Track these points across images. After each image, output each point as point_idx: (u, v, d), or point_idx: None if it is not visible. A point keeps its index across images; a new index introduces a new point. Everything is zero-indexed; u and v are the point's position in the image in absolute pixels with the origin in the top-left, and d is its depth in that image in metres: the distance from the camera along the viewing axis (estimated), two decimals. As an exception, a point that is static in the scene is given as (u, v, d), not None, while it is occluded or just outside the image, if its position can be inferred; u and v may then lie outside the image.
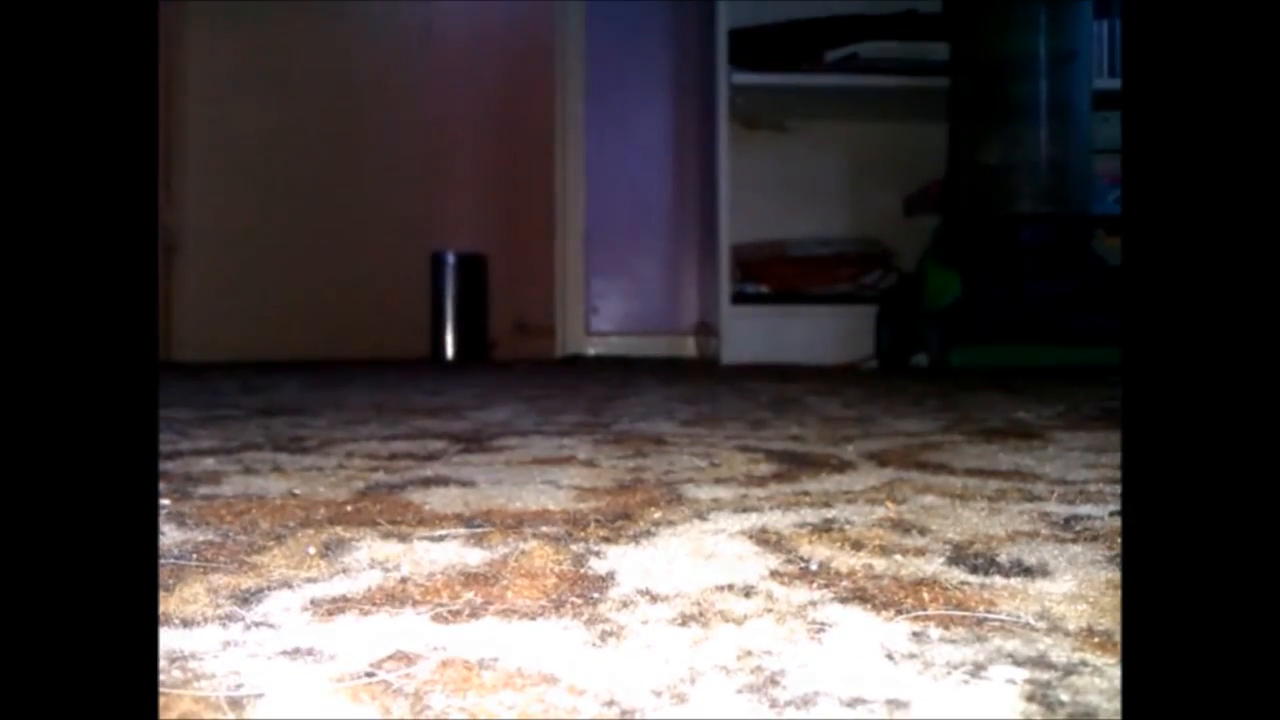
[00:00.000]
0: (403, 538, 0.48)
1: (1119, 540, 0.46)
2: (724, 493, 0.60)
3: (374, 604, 0.37)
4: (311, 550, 0.46)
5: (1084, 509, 0.54)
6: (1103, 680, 0.29)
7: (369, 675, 0.29)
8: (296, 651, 0.32)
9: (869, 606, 0.36)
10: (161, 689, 0.28)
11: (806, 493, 0.60)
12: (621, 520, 0.52)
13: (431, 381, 1.74)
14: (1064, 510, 0.54)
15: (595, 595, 0.38)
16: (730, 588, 0.39)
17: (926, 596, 0.37)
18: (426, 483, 0.65)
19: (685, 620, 0.35)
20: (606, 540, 0.47)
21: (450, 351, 2.20)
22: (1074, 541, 0.47)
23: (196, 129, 2.33)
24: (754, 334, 2.34)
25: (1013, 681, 0.29)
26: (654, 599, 0.37)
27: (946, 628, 0.34)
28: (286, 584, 0.40)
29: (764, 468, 0.71)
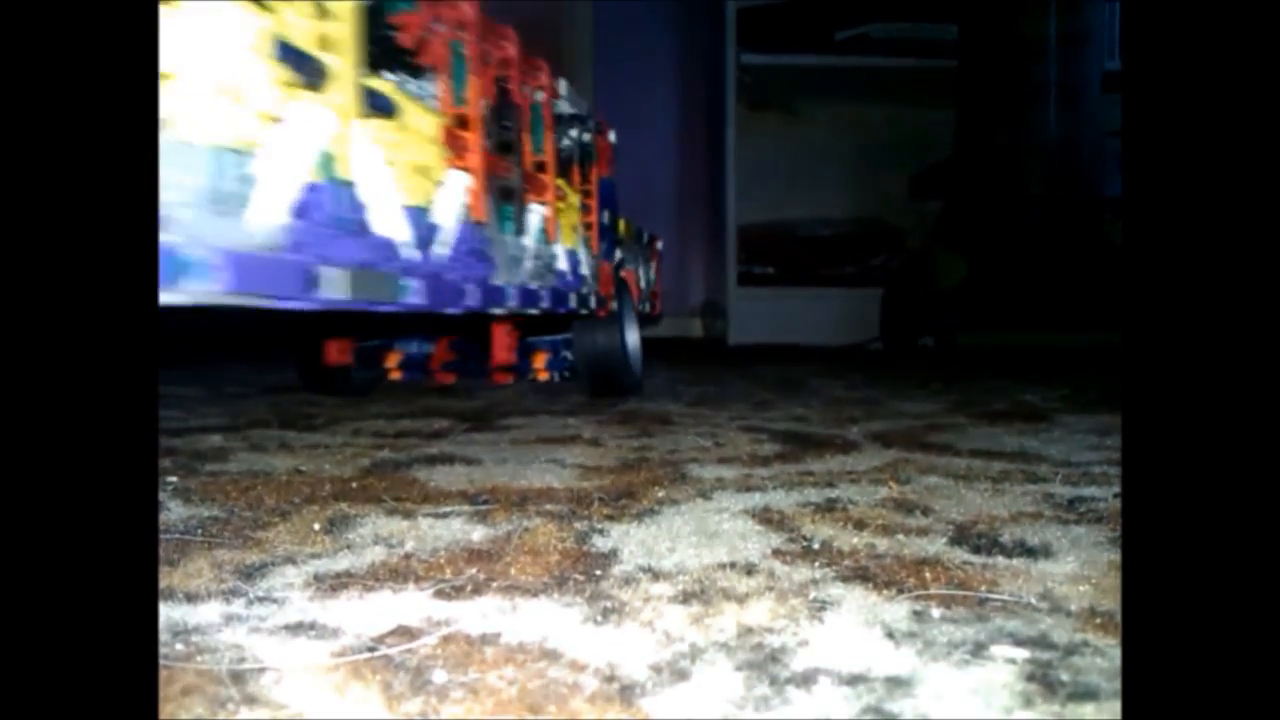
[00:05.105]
0: (407, 514, 0.48)
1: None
2: (728, 472, 0.60)
3: (377, 580, 0.37)
4: (316, 526, 0.46)
5: (1088, 490, 0.54)
6: (1104, 660, 0.29)
7: (370, 650, 0.30)
8: (299, 626, 0.32)
9: (871, 585, 0.36)
10: (164, 662, 0.28)
11: (810, 473, 0.60)
12: (625, 499, 0.52)
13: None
14: (1068, 492, 0.54)
15: (598, 572, 0.38)
16: (732, 566, 0.39)
17: (928, 576, 0.37)
18: (432, 460, 0.65)
19: (687, 598, 0.35)
20: (610, 518, 0.47)
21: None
22: (1077, 523, 0.47)
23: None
24: (760, 314, 2.34)
25: (1013, 661, 0.29)
26: (656, 576, 0.37)
27: (948, 607, 0.34)
28: (290, 559, 0.40)
29: (768, 448, 0.71)
